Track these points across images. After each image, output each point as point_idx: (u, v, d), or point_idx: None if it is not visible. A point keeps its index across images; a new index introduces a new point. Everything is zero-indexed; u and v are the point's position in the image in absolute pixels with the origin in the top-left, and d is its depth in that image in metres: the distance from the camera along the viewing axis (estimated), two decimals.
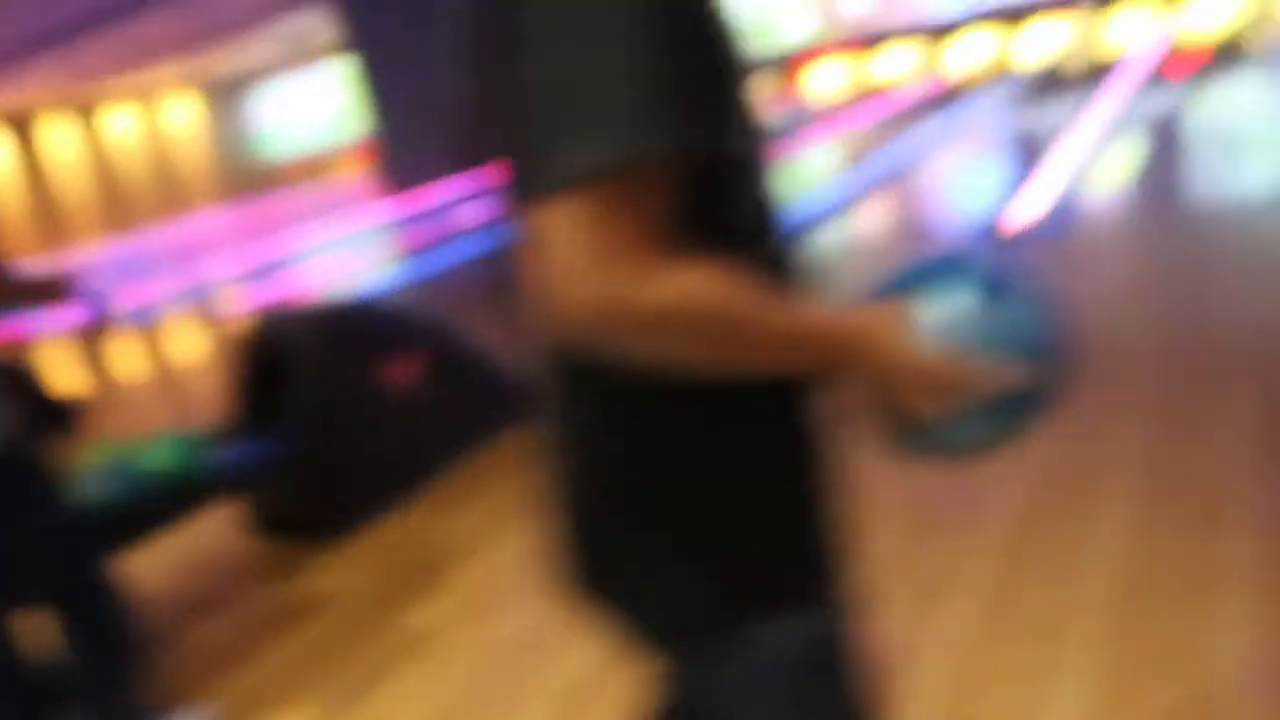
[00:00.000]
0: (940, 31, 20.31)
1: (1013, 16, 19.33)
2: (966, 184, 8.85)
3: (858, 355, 1.01)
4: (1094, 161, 7.89)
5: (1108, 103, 10.86)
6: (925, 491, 3.29)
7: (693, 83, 0.93)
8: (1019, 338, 1.07)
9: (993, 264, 1.12)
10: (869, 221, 7.98)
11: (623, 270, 0.90)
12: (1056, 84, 13.81)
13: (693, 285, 0.92)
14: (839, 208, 8.21)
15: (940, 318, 1.06)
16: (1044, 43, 18.82)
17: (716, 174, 1.01)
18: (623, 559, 1.10)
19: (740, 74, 1.02)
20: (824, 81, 21.52)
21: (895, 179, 9.13)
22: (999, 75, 16.74)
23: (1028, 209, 6.58)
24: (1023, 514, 3.05)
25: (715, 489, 1.06)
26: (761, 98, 1.07)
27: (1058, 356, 1.11)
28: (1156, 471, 3.13)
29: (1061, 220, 6.28)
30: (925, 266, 1.12)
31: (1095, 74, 14.00)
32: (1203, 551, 2.69)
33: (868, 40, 21.00)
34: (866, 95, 17.76)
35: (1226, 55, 13.20)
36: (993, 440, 1.10)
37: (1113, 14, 18.46)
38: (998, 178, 8.35)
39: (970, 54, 20.12)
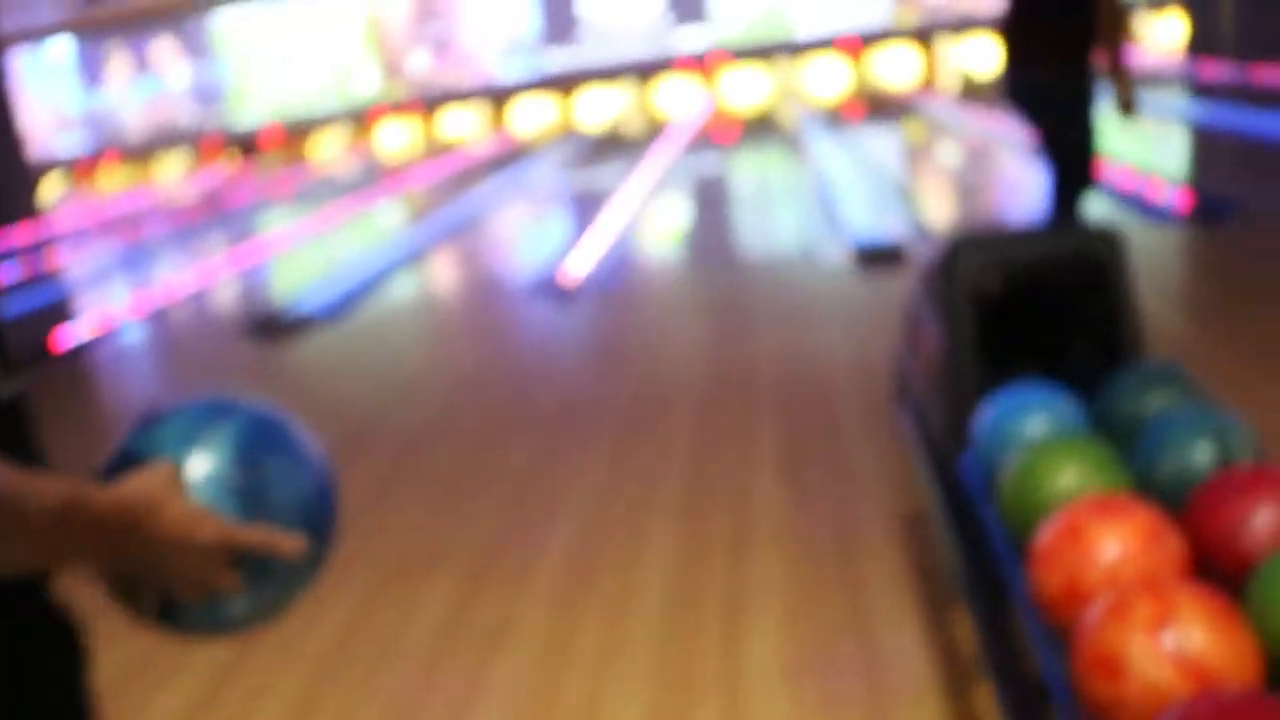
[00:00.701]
0: (504, 94, 20.93)
1: (571, 82, 20.28)
2: (528, 239, 9.09)
3: (118, 530, 0.88)
4: (646, 217, 8.37)
5: (659, 162, 11.59)
6: (480, 540, 3.27)
7: None
8: (281, 502, 0.96)
9: (258, 416, 1.00)
10: (435, 276, 7.99)
11: None
12: (614, 145, 14.57)
13: None
14: (406, 262, 8.15)
15: (197, 479, 0.94)
16: (602, 107, 19.86)
17: None
18: None
19: None
20: (394, 137, 21.50)
21: (461, 234, 9.22)
22: (561, 136, 17.42)
23: (583, 262, 6.84)
24: (574, 557, 3.10)
25: None
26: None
27: (324, 522, 1.00)
28: (694, 507, 3.29)
29: (615, 272, 6.58)
30: (182, 419, 0.98)
31: (650, 136, 14.91)
32: (736, 578, 2.85)
33: (434, 99, 21.25)
34: (435, 152, 17.91)
35: (761, 125, 14.49)
36: (257, 614, 0.98)
37: (661, 83, 19.83)
38: (557, 233, 8.64)
39: (533, 115, 20.86)
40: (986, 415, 2.21)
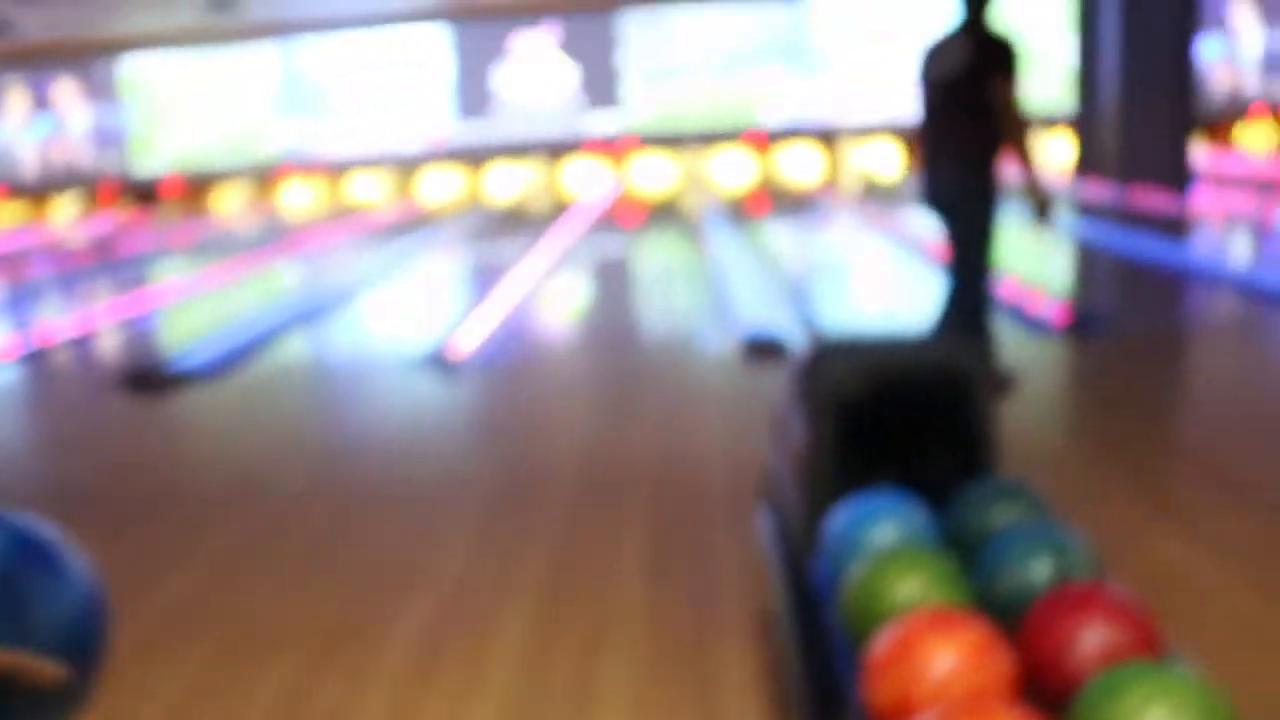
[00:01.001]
0: (412, 162, 20.92)
1: (480, 156, 20.38)
2: (422, 309, 9.01)
3: None
4: (543, 294, 8.37)
5: (562, 240, 11.64)
6: (331, 618, 3.17)
7: None
8: (41, 624, 0.89)
9: (21, 533, 0.93)
10: (325, 340, 7.86)
11: None
12: (519, 220, 14.61)
13: None
14: (296, 323, 8.01)
15: None
16: (510, 182, 19.95)
17: None
18: None
19: None
20: (299, 197, 21.30)
21: (355, 299, 9.11)
22: (467, 208, 17.44)
23: (474, 336, 6.79)
24: (425, 638, 3.01)
25: None
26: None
27: (88, 649, 0.94)
28: (556, 594, 3.24)
29: (504, 347, 6.54)
30: None
31: (555, 214, 14.99)
32: (587, 669, 2.79)
33: (341, 163, 21.15)
34: (339, 214, 17.76)
35: (666, 211, 14.67)
36: None
37: (570, 163, 20.01)
38: (453, 305, 8.58)
39: (440, 186, 20.86)
40: (838, 519, 2.21)
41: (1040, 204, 4.63)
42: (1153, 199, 12.09)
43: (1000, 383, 4.85)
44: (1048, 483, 3.62)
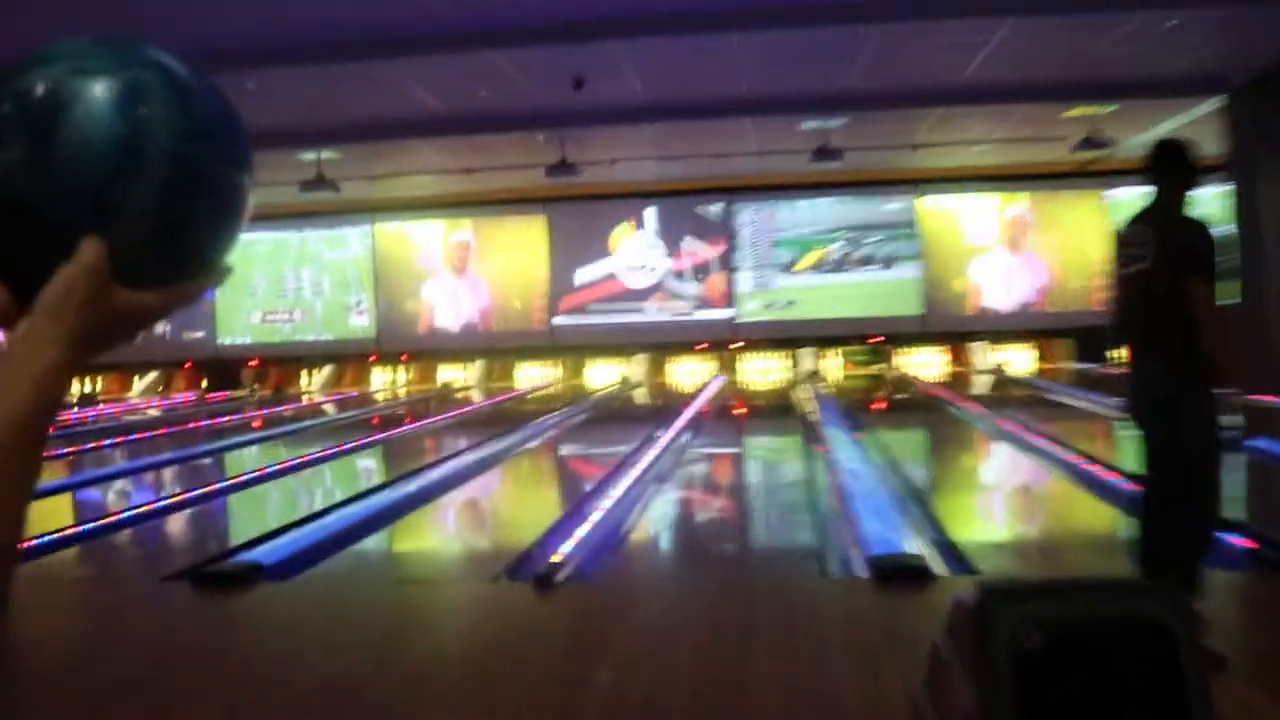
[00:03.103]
0: (510, 352, 21.22)
1: (582, 349, 20.68)
2: (514, 506, 8.86)
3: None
4: (648, 496, 8.15)
5: (669, 438, 11.49)
6: None
7: None
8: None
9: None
10: (405, 539, 7.72)
11: None
12: (623, 416, 14.55)
13: None
14: (376, 520, 7.92)
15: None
16: (612, 375, 20.07)
17: None
18: None
19: None
20: (388, 383, 21.67)
21: (446, 494, 9.02)
22: (567, 401, 17.49)
23: (571, 542, 6.57)
24: None
25: None
26: None
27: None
28: None
29: (603, 557, 6.30)
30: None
31: (661, 410, 14.91)
32: None
33: (435, 350, 21.54)
34: (430, 403, 17.95)
35: (779, 408, 14.47)
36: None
37: (678, 358, 20.13)
38: (548, 504, 8.42)
39: (539, 377, 21.06)
40: None
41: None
42: None
43: (1208, 657, 4.37)
44: None
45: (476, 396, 18.88)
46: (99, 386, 22.71)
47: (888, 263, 20.75)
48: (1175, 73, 13.12)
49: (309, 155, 15.86)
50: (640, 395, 18.09)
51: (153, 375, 22.58)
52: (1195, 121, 15.17)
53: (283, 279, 22.06)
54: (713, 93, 13.17)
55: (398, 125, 14.23)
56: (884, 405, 15.00)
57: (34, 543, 7.19)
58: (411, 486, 9.20)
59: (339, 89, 12.28)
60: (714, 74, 12.19)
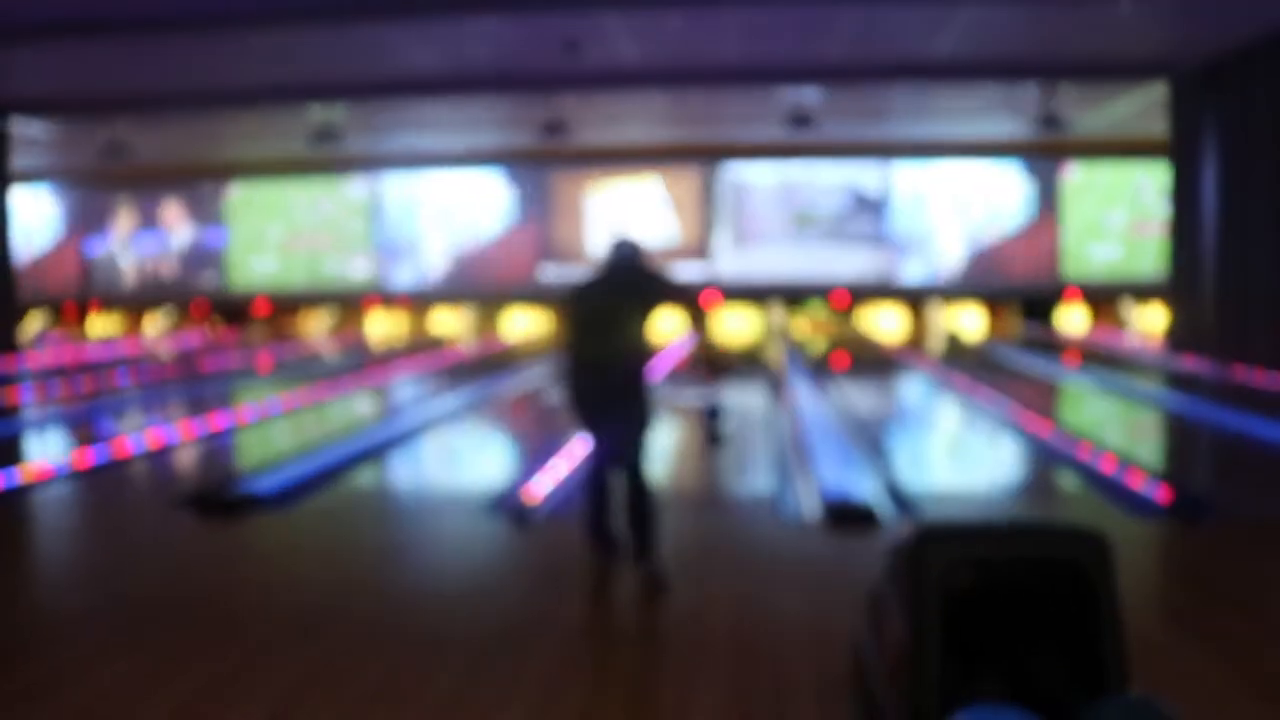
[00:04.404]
0: (498, 301, 21.19)
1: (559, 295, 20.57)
2: (498, 449, 8.91)
3: None
4: None
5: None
6: None
7: None
8: None
9: None
10: (396, 474, 7.77)
11: None
12: None
13: None
14: (371, 454, 7.95)
15: None
16: None
17: None
18: None
19: None
20: (383, 328, 21.62)
21: (434, 433, 9.05)
22: (550, 349, 17.49)
23: (550, 481, 6.63)
24: None
25: None
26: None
27: None
28: None
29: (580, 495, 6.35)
30: None
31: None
32: None
33: (426, 297, 21.50)
34: (422, 348, 17.93)
35: (749, 362, 14.52)
36: None
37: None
38: (531, 446, 8.47)
39: (524, 326, 21.04)
40: None
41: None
42: (1255, 375, 11.69)
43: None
44: (1147, 678, 3.30)
45: (467, 344, 18.86)
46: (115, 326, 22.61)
47: (853, 230, 20.75)
48: (1123, 55, 13.12)
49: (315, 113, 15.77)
50: None
51: (165, 315, 22.49)
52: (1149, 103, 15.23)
53: (289, 227, 21.92)
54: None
55: (400, 84, 14.14)
56: (846, 362, 15.07)
57: (53, 471, 7.20)
58: (403, 425, 9.24)
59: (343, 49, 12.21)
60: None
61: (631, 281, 4.82)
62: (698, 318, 4.82)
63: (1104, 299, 20.37)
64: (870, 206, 20.67)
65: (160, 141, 18.53)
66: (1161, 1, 10.77)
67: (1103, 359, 14.52)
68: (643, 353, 4.75)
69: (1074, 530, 2.46)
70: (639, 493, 4.70)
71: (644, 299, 4.76)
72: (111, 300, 22.73)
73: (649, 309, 4.76)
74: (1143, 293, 19.88)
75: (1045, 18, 11.29)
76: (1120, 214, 20.29)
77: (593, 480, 4.84)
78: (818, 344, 17.78)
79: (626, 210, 20.77)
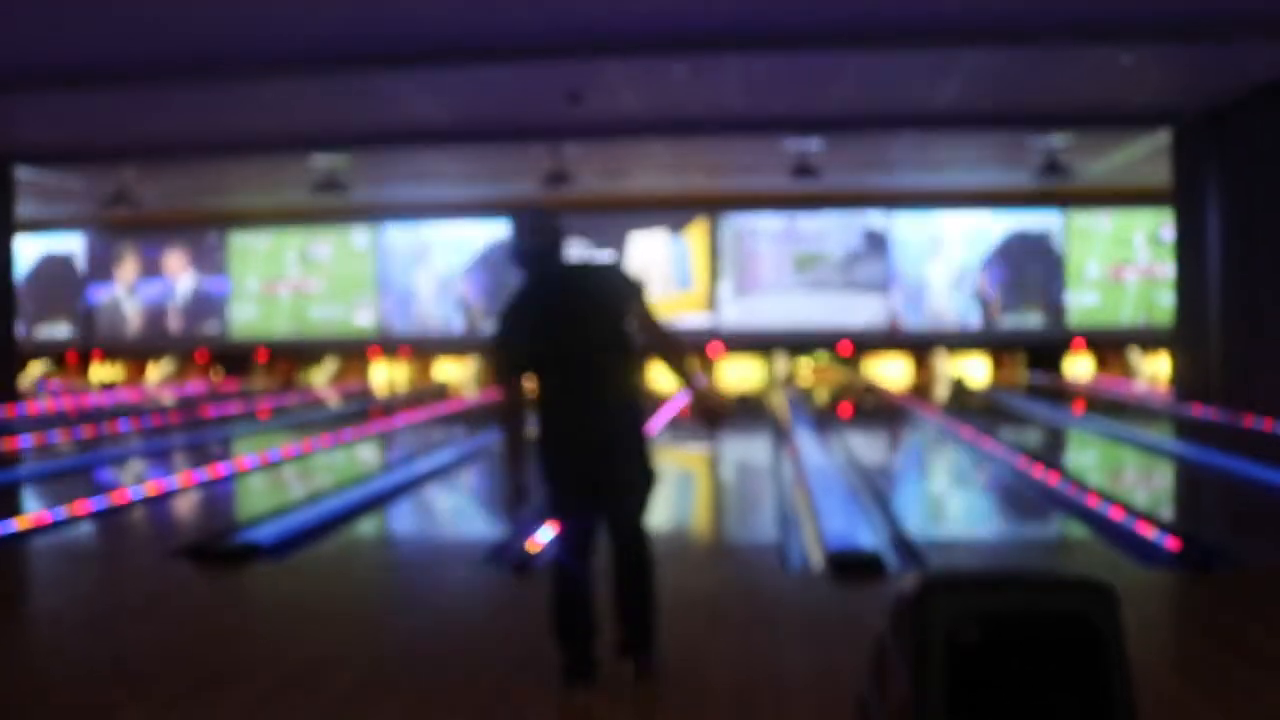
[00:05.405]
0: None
1: None
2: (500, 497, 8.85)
3: None
4: None
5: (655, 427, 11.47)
6: None
7: None
8: None
9: None
10: (398, 523, 7.73)
11: None
12: None
13: None
14: (372, 504, 7.90)
15: None
16: None
17: None
18: None
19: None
20: (387, 376, 21.63)
21: (436, 482, 9.01)
22: None
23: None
24: None
25: None
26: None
27: None
28: None
29: None
30: None
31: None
32: None
33: (430, 346, 21.54)
34: (426, 397, 17.91)
35: (752, 410, 14.49)
36: None
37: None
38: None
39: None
40: None
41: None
42: (1264, 423, 11.63)
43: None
44: None
45: (469, 393, 18.86)
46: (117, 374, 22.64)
47: (858, 278, 20.79)
48: (1130, 104, 13.21)
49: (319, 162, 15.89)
50: None
51: (168, 362, 22.52)
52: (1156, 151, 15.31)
53: (292, 276, 22.01)
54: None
55: (404, 133, 14.25)
56: (850, 410, 15.04)
57: (51, 519, 7.17)
58: (405, 473, 9.20)
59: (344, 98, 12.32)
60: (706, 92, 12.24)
61: (582, 289, 3.77)
62: (678, 362, 3.88)
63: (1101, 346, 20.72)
64: (874, 249, 20.72)
65: (164, 190, 18.65)
66: (1164, 50, 10.85)
67: (1107, 406, 14.47)
68: (636, 388, 3.84)
69: (1081, 582, 2.42)
70: (640, 567, 3.89)
71: (609, 306, 3.76)
72: (114, 348, 22.77)
73: (620, 319, 3.77)
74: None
75: (1046, 66, 11.38)
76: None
77: (571, 570, 3.89)
78: (822, 392, 17.75)
79: (637, 261, 20.83)
